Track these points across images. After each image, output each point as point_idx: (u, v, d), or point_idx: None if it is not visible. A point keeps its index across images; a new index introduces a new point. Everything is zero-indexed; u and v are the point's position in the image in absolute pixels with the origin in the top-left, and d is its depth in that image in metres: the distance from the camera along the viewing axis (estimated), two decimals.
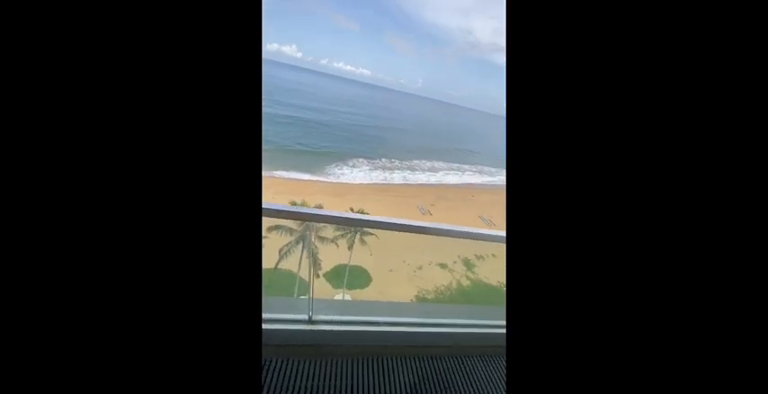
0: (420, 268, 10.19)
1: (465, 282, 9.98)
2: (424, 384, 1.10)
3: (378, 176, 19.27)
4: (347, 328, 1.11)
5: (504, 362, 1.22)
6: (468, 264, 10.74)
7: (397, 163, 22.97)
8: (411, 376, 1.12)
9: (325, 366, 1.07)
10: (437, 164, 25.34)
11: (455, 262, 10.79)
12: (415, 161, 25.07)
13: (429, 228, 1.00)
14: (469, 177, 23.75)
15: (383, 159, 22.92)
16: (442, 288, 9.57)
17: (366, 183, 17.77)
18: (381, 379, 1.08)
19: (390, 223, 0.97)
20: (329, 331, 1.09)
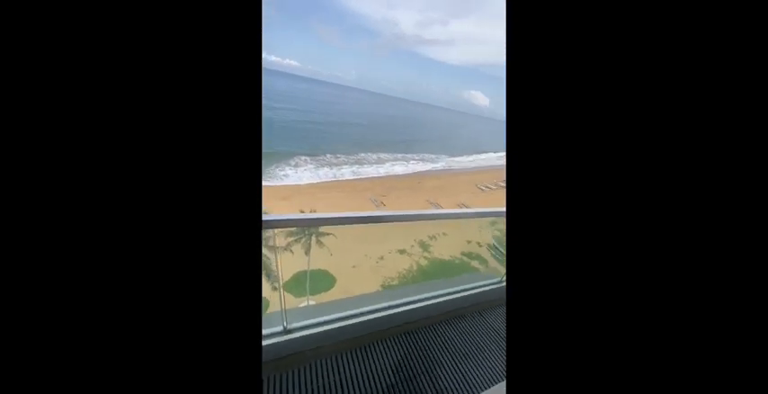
0: (382, 258, 10.57)
1: (423, 263, 10.89)
2: (407, 360, 1.23)
3: (326, 174, 18.57)
4: (324, 328, 1.12)
5: (467, 322, 1.46)
6: (424, 246, 11.68)
7: (343, 158, 22.52)
8: (393, 355, 1.23)
9: (313, 370, 1.08)
10: (382, 155, 25.96)
11: (412, 246, 11.58)
12: (362, 154, 25.08)
13: (396, 215, 1.08)
14: (415, 166, 25.25)
15: (328, 155, 22.12)
16: (404, 272, 10.22)
17: (315, 182, 16.92)
18: (366, 365, 1.16)
19: (367, 217, 1.00)
20: (308, 335, 1.09)
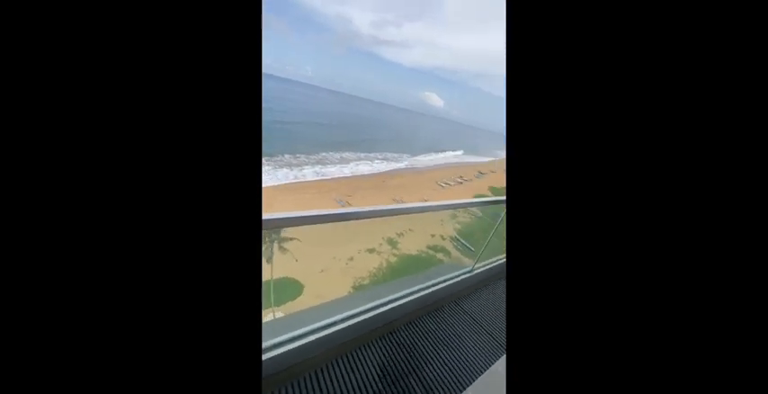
0: (351, 259, 10.39)
1: (392, 259, 11.07)
2: (391, 360, 1.18)
3: (286, 175, 17.35)
4: (301, 343, 1.00)
5: (446, 312, 1.48)
6: (392, 243, 11.89)
7: (303, 158, 21.38)
8: (378, 357, 1.17)
9: (300, 385, 0.94)
10: (346, 154, 25.53)
11: (381, 244, 11.68)
12: (323, 154, 24.21)
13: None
14: (379, 165, 25.49)
15: (287, 156, 20.72)
16: (374, 270, 10.24)
17: (274, 184, 15.64)
18: (351, 373, 1.07)
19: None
20: (286, 352, 0.96)
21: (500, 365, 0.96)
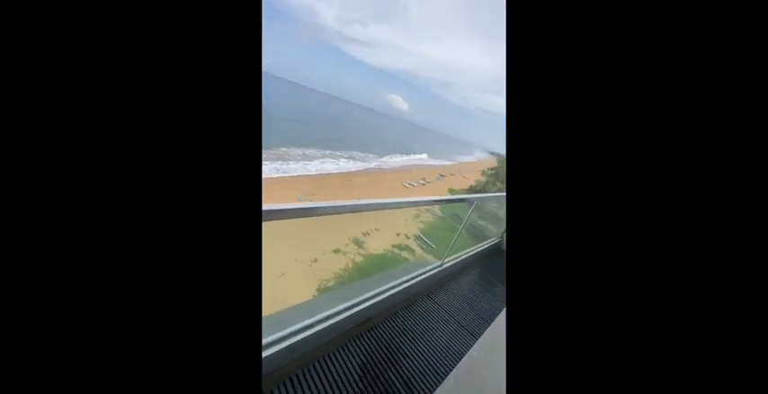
0: (315, 261, 9.95)
1: (359, 259, 10.99)
2: (372, 356, 1.16)
3: None
4: (270, 352, 0.91)
5: (419, 305, 1.52)
6: (358, 243, 11.79)
7: (263, 153, 19.62)
8: (358, 357, 1.14)
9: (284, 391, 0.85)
10: (309, 151, 24.35)
11: (347, 244, 11.49)
12: (284, 149, 22.67)
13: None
14: (346, 163, 25.01)
15: None
16: (340, 271, 10.00)
17: None
18: (332, 375, 1.02)
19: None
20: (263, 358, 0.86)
21: (474, 351, 1.04)
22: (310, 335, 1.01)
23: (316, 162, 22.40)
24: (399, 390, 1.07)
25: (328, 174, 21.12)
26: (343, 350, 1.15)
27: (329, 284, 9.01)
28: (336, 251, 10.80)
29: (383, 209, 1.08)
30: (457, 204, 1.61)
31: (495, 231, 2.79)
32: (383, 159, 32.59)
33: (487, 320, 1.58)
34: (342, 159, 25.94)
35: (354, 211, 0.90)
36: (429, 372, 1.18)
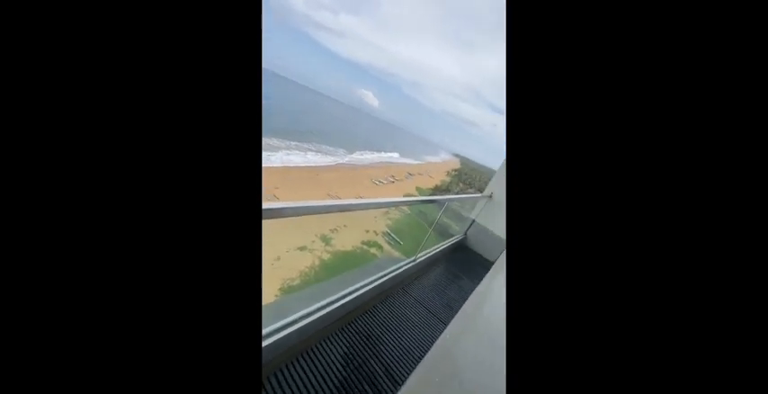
0: (278, 259, 9.41)
1: (326, 257, 10.75)
2: (354, 348, 1.21)
3: None
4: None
5: (396, 299, 1.62)
6: (325, 240, 11.51)
7: None
8: (340, 348, 1.18)
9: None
10: (273, 141, 22.63)
11: (313, 241, 11.12)
12: None
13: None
14: (313, 157, 23.91)
15: None
16: (306, 270, 9.67)
17: None
18: (315, 370, 1.05)
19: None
20: None
21: (446, 334, 1.19)
22: (293, 331, 1.03)
23: (280, 153, 20.94)
24: (380, 375, 1.16)
25: (295, 166, 19.96)
26: (327, 342, 1.19)
27: (294, 283, 8.64)
28: (302, 248, 10.37)
29: (364, 209, 1.14)
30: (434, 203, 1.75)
31: (458, 229, 3.07)
32: (354, 155, 32.09)
33: (455, 309, 1.77)
34: (309, 152, 24.74)
35: (342, 211, 0.94)
36: (406, 358, 1.30)
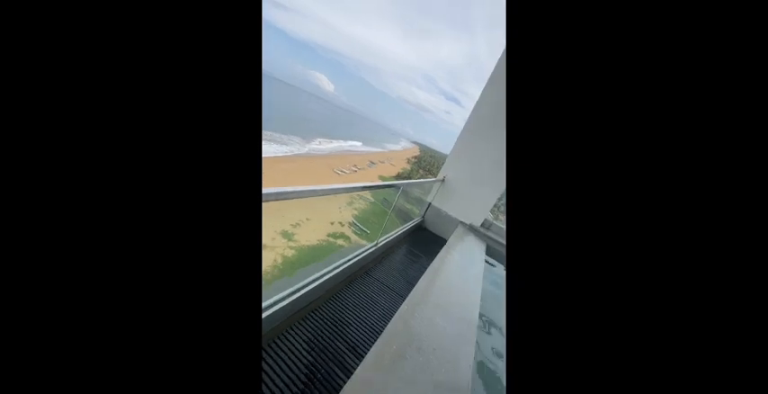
0: None
1: (289, 253, 10.26)
2: (319, 332, 1.23)
3: None
4: None
5: (359, 282, 1.67)
6: (287, 236, 10.92)
7: None
8: (305, 335, 1.18)
9: None
10: None
11: (274, 238, 10.45)
12: None
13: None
14: (266, 147, 21.75)
15: None
16: (268, 268, 9.12)
17: None
18: (284, 356, 1.04)
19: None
20: None
21: (404, 305, 1.29)
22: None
23: None
24: (346, 354, 1.21)
25: None
26: (293, 329, 1.18)
27: None
28: (262, 246, 9.64)
29: (322, 195, 1.12)
30: (388, 190, 1.81)
31: (419, 212, 3.26)
32: (312, 145, 30.25)
33: (414, 284, 1.92)
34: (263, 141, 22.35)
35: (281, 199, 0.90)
36: (371, 335, 1.38)
